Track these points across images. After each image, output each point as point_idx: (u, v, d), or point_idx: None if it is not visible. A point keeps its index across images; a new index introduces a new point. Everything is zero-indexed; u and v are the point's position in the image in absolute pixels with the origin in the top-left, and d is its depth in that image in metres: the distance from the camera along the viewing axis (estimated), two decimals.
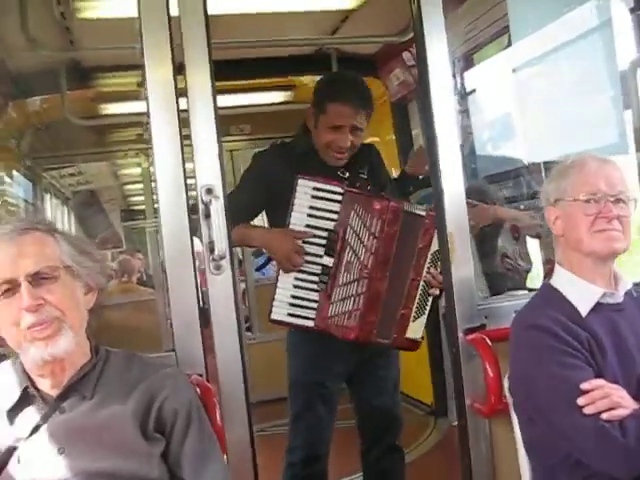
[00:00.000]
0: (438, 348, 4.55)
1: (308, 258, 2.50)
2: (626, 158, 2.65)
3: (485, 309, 2.25)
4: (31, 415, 1.58)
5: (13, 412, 1.58)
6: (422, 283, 2.58)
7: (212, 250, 2.00)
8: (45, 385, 1.60)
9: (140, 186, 5.95)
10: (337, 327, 2.53)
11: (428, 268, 2.57)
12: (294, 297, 2.52)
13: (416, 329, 2.62)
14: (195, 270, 2.01)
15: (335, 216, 2.50)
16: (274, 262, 2.67)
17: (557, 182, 1.89)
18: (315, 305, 2.53)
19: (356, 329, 2.53)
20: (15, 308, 1.52)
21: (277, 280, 2.54)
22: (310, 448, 2.68)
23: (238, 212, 2.30)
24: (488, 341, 2.09)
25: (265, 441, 2.78)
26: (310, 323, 2.53)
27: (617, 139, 2.75)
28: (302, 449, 2.68)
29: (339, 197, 2.50)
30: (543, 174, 3.10)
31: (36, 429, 1.56)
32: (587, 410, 1.65)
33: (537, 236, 3.43)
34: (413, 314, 2.60)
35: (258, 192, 2.59)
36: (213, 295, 2.03)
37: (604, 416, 1.64)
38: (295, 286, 2.52)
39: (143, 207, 6.11)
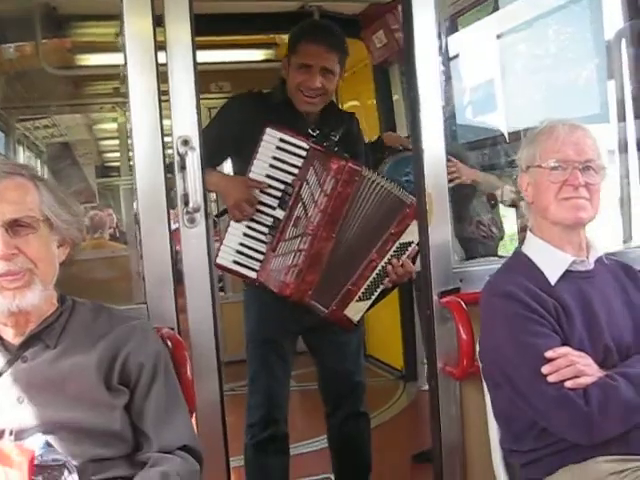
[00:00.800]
0: (410, 313, 4.58)
1: (262, 208, 2.48)
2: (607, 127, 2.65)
3: (460, 272, 2.24)
4: None
5: None
6: (379, 269, 2.53)
7: (186, 203, 1.98)
8: (8, 334, 1.58)
9: (115, 142, 5.86)
10: (275, 281, 2.52)
11: (391, 257, 2.52)
12: (242, 245, 2.51)
13: (356, 310, 2.58)
14: (169, 224, 1.98)
15: (295, 170, 2.48)
16: None
17: (527, 148, 1.88)
18: (261, 257, 2.51)
19: (291, 285, 2.51)
20: None
21: (228, 226, 2.53)
22: (268, 408, 2.66)
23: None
24: (463, 304, 2.09)
25: (234, 401, 2.78)
26: (252, 274, 2.52)
27: (599, 109, 2.75)
28: (260, 408, 2.66)
29: (303, 152, 2.48)
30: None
31: None
32: (551, 378, 1.67)
33: (512, 205, 3.42)
34: (359, 294, 2.56)
35: (225, 133, 2.56)
36: (186, 249, 2.01)
37: (568, 384, 1.66)
38: (245, 234, 2.51)
39: (118, 164, 6.03)
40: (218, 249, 2.53)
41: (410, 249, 2.48)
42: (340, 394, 2.80)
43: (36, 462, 1.41)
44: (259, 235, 2.51)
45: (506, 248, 3.37)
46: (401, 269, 2.50)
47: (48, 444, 1.47)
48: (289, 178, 2.48)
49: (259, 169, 2.47)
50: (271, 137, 2.46)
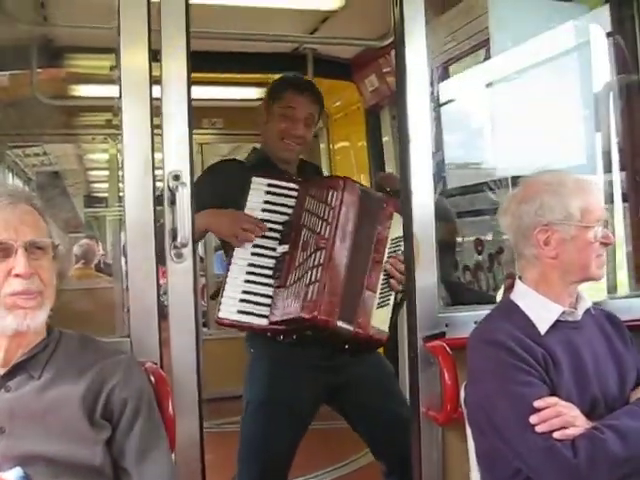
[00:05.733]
0: (394, 353, 4.54)
1: (261, 251, 2.39)
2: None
3: (446, 317, 2.23)
4: None
5: None
6: (384, 271, 2.44)
7: (174, 238, 1.96)
8: None
9: (103, 173, 5.88)
10: (297, 307, 2.28)
11: (389, 255, 2.44)
12: (246, 292, 2.35)
13: (382, 318, 2.41)
14: (157, 258, 1.97)
15: (289, 210, 2.44)
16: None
17: (555, 202, 1.81)
18: (269, 302, 2.35)
19: (318, 303, 2.26)
20: (0, 272, 1.50)
21: (226, 276, 2.39)
22: None
23: None
24: (448, 349, 2.08)
25: (214, 438, 2.74)
26: (263, 321, 2.34)
27: (586, 160, 2.78)
28: None
29: (294, 193, 2.46)
30: (510, 189, 3.11)
31: None
32: (539, 428, 1.66)
33: (498, 252, 3.44)
34: (378, 300, 2.41)
35: (207, 203, 2.42)
36: (172, 284, 1.99)
37: (556, 435, 1.65)
38: (247, 281, 2.37)
39: (105, 194, 6.05)
40: (219, 303, 2.37)
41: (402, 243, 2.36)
42: (393, 440, 2.53)
43: None
44: (263, 279, 2.37)
45: None
46: (401, 264, 2.38)
47: (27, 477, 1.45)
48: (284, 218, 2.43)
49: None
50: (258, 184, 2.43)
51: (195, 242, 2.20)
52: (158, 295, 1.97)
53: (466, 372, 1.91)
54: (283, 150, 2.59)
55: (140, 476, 1.55)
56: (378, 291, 2.43)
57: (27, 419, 1.51)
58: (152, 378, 1.78)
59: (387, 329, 2.43)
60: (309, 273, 2.33)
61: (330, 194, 2.41)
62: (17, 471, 1.45)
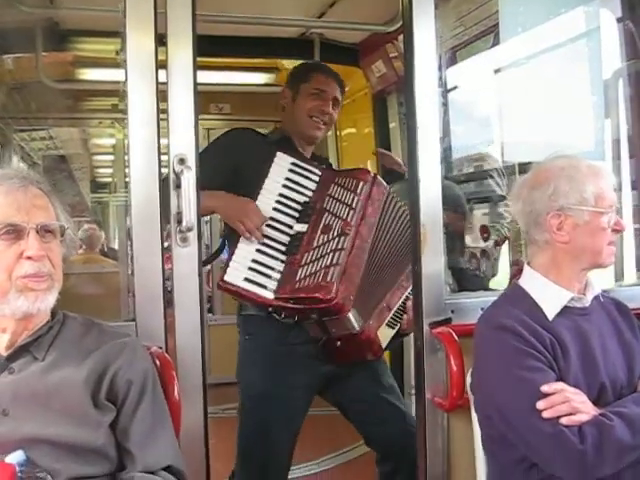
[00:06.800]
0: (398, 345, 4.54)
1: (278, 226, 2.37)
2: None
3: (452, 304, 2.22)
4: None
5: None
6: (406, 295, 2.48)
7: (180, 222, 1.95)
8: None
9: (108, 157, 5.87)
10: (308, 288, 2.25)
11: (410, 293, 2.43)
12: (255, 261, 2.31)
13: (385, 335, 2.45)
14: (162, 242, 1.97)
15: (309, 193, 2.45)
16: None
17: (569, 186, 1.79)
18: (278, 276, 2.31)
19: (332, 287, 2.23)
20: (12, 254, 1.51)
21: (239, 242, 2.35)
22: None
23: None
24: (454, 335, 2.08)
25: (217, 423, 2.73)
26: (268, 294, 2.28)
27: (595, 146, 2.77)
28: None
29: (316, 177, 2.48)
30: (517, 175, 3.10)
31: None
32: (546, 414, 1.65)
33: (505, 239, 3.43)
34: (390, 318, 2.46)
35: (224, 162, 2.46)
36: (177, 268, 1.98)
37: (563, 421, 1.64)
38: (258, 250, 2.34)
39: (109, 180, 6.05)
40: (226, 266, 2.33)
41: None
42: (390, 433, 2.52)
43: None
44: (275, 252, 2.35)
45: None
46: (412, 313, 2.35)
47: (29, 460, 1.45)
48: (303, 198, 2.44)
49: (271, 187, 2.40)
50: (282, 160, 2.44)
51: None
52: (164, 279, 1.96)
53: (472, 358, 1.90)
54: (312, 128, 2.60)
55: (143, 458, 1.55)
56: (394, 310, 2.48)
57: (30, 401, 1.51)
58: (157, 362, 1.77)
59: (384, 348, 2.47)
60: (330, 255, 2.32)
61: (359, 184, 2.45)
62: (19, 454, 1.45)
